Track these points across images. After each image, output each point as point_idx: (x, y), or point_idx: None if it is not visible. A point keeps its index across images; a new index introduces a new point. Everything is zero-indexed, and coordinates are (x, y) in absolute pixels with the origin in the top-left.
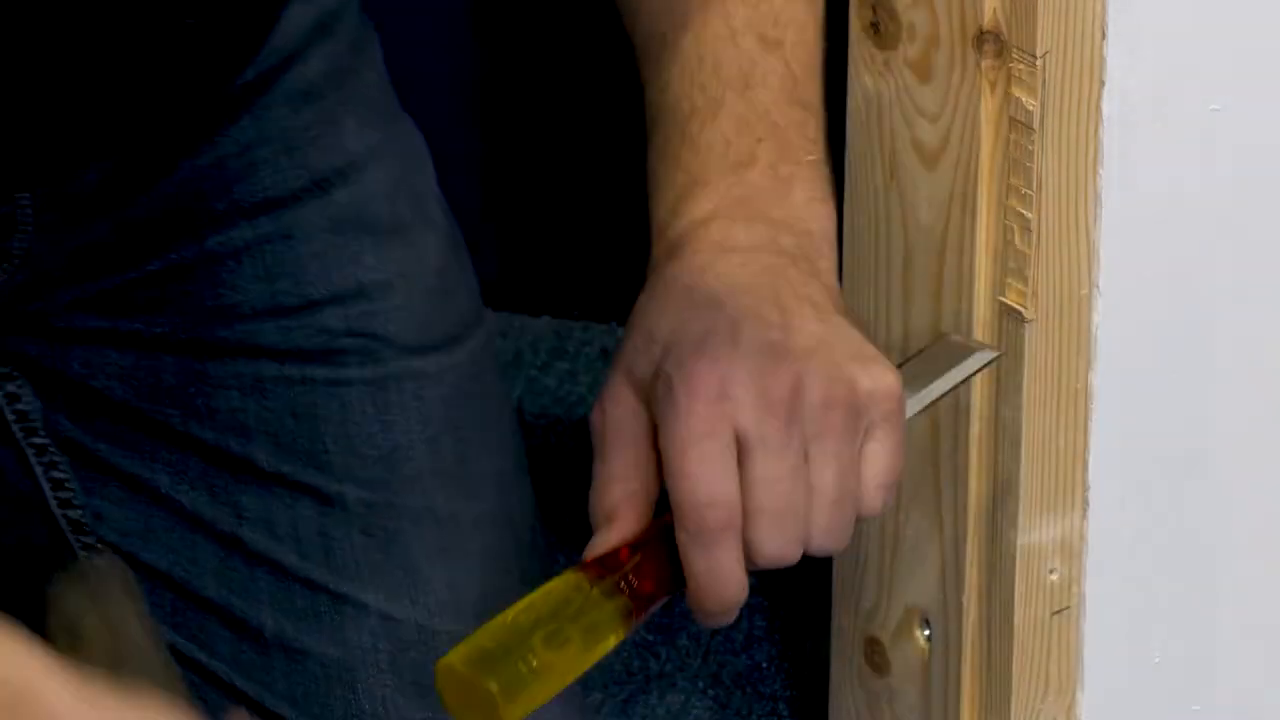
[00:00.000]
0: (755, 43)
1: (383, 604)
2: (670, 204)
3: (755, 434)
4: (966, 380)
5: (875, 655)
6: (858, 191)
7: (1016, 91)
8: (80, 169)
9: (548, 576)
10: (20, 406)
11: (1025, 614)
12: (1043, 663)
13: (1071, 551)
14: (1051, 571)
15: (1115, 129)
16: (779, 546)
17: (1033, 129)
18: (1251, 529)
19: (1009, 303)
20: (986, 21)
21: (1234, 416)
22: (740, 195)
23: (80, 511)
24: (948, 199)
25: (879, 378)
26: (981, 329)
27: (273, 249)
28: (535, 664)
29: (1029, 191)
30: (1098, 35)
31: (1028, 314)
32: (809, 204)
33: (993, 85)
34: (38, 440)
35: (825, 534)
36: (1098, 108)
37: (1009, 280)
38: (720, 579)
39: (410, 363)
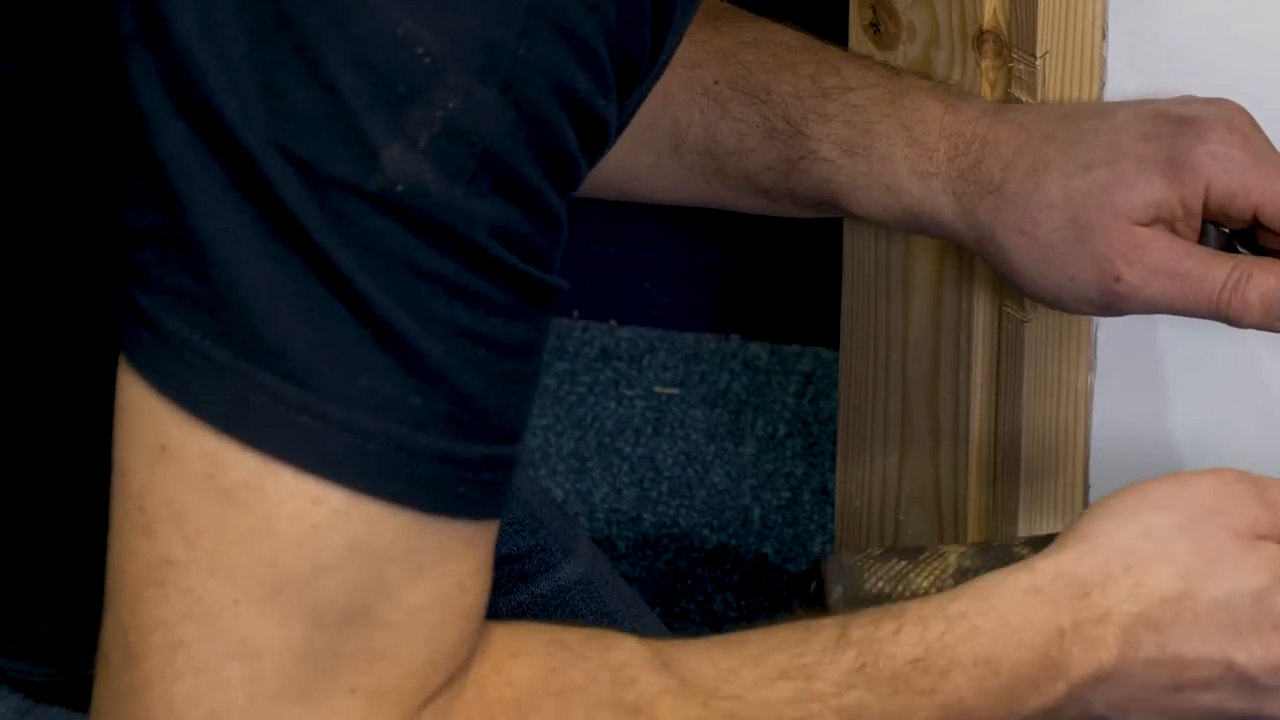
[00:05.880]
0: None
1: None
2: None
3: None
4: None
5: None
6: None
7: (1016, 91)
8: None
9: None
10: None
11: None
12: None
13: None
14: None
15: None
16: None
17: None
18: None
19: (1009, 305)
20: (986, 21)
21: (1234, 416)
22: None
23: None
24: None
25: None
26: (981, 330)
27: None
28: None
29: None
30: (1098, 35)
31: (1027, 315)
32: None
33: (993, 85)
34: None
35: None
36: None
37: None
38: None
39: None
